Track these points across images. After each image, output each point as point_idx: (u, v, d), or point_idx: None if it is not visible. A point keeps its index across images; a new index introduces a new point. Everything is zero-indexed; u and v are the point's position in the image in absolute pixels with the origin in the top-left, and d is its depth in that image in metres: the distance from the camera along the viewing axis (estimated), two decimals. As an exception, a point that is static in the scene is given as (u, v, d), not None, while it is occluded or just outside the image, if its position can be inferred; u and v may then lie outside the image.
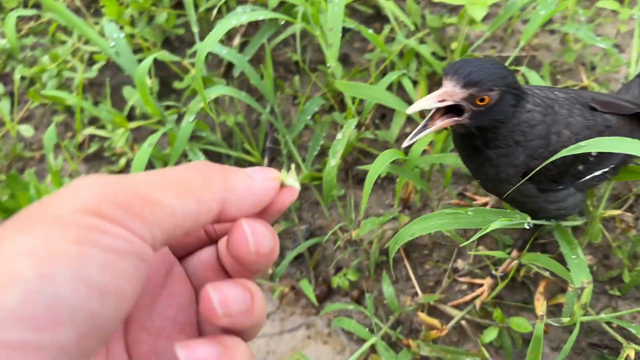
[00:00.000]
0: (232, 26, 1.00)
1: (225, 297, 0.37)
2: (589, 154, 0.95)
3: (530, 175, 0.91)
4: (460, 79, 0.85)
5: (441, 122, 0.87)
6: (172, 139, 1.38)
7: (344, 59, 1.70)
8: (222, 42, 1.70)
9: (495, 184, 0.99)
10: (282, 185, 0.42)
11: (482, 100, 0.86)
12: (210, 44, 0.97)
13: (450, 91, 0.85)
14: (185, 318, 0.43)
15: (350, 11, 1.72)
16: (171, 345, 0.37)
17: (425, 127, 0.88)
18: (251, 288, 0.39)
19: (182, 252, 0.46)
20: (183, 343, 0.36)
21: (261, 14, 1.01)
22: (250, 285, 0.39)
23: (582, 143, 0.85)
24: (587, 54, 1.55)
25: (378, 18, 1.72)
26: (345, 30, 1.70)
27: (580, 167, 0.99)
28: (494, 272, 1.24)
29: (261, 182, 0.40)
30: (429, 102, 0.85)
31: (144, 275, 0.33)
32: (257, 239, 0.39)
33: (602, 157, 1.01)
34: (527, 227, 1.02)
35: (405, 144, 0.87)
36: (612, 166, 1.08)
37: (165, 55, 1.46)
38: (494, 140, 0.92)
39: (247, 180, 0.40)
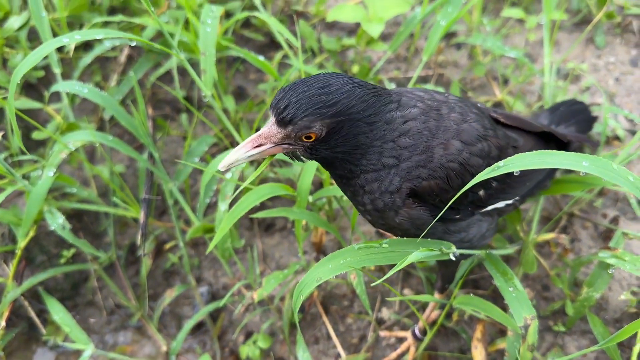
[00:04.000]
0: (62, 44, 0.82)
1: None
2: (491, 178, 0.77)
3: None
4: (277, 115, 0.68)
5: (266, 148, 0.70)
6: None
7: (239, 92, 1.52)
8: (97, 83, 1.49)
9: (376, 215, 0.81)
10: None
11: (307, 137, 0.69)
12: (32, 62, 0.79)
13: (267, 132, 0.69)
14: None
15: (242, 40, 1.55)
16: None
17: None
18: None
19: None
20: None
21: (100, 32, 0.81)
22: None
23: (500, 163, 0.68)
24: (498, 67, 1.44)
25: (272, 46, 1.56)
26: (234, 60, 1.53)
27: (481, 193, 0.83)
28: (415, 330, 1.05)
29: None
30: (242, 151, 0.68)
31: None
32: None
33: (508, 185, 0.86)
34: (453, 259, 0.84)
35: (221, 166, 0.68)
36: (517, 198, 0.93)
37: (17, 101, 1.22)
38: (358, 166, 0.74)
39: None
